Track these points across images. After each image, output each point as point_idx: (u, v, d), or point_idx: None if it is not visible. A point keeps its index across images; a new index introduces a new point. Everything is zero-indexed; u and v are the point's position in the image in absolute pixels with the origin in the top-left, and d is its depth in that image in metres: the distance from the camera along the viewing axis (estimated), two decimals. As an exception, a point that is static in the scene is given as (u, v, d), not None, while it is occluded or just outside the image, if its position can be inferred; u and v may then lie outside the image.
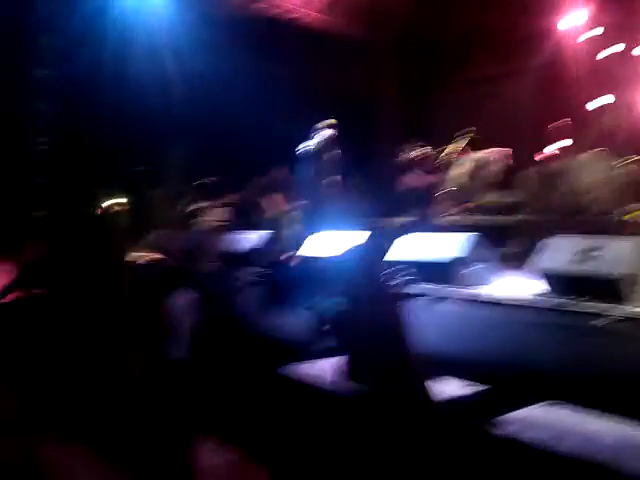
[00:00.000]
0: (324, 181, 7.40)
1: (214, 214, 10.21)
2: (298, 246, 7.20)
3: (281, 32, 10.82)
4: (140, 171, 9.75)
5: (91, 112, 9.13)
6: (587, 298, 3.87)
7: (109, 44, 8.94)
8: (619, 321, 3.56)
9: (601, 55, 9.43)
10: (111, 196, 9.98)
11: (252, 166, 9.76)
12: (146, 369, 3.75)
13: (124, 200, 9.73)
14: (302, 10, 11.33)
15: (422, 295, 4.71)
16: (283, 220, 9.51)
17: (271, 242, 6.70)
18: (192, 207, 10.08)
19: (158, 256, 7.02)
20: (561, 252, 4.27)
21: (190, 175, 10.38)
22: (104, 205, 9.84)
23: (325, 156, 7.35)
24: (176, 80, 9.62)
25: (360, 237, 5.98)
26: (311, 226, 7.72)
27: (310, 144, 7.30)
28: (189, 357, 4.16)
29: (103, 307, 3.88)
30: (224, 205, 10.30)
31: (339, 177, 7.53)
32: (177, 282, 4.82)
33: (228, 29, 9.55)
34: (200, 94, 9.57)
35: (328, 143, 7.25)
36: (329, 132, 7.25)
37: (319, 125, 7.47)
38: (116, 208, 9.78)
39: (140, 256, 6.76)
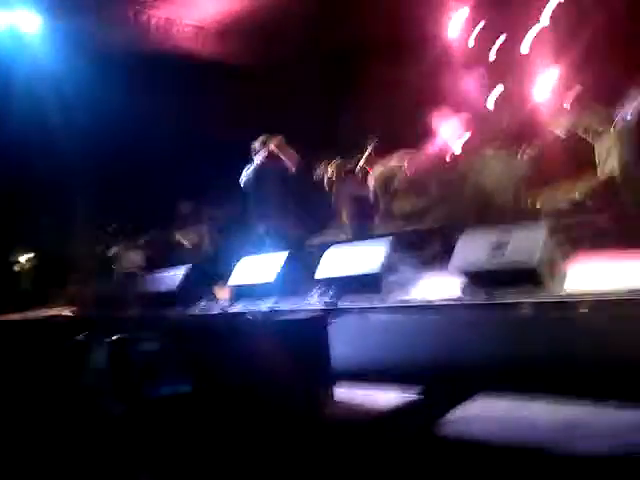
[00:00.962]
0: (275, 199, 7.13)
1: (130, 258, 9.95)
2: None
3: (174, 68, 10.74)
4: (45, 221, 9.35)
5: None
6: (506, 289, 4.00)
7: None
8: (541, 306, 3.69)
9: (491, 51, 9.83)
10: (19, 252, 9.56)
11: (160, 202, 9.56)
12: (80, 427, 3.60)
13: (30, 255, 9.34)
14: (193, 42, 11.31)
15: (349, 308, 4.72)
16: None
17: (189, 280, 6.55)
18: (106, 253, 9.79)
19: (66, 312, 6.77)
20: (475, 249, 4.39)
21: (99, 221, 10.06)
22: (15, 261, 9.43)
23: (271, 174, 7.08)
24: (65, 124, 9.30)
25: (279, 261, 5.99)
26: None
27: (252, 165, 7.04)
28: (123, 410, 3.99)
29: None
30: (139, 247, 10.06)
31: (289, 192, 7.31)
32: (93, 334, 4.65)
33: (119, 68, 9.37)
34: (95, 137, 9.30)
35: (260, 165, 7.02)
36: (268, 148, 7.01)
37: (256, 143, 7.22)
38: (24, 264, 9.37)
39: (48, 314, 6.51)
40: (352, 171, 8.60)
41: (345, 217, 9.02)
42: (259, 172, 7.01)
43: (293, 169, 7.13)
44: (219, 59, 11.61)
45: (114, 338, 4.59)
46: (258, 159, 6.97)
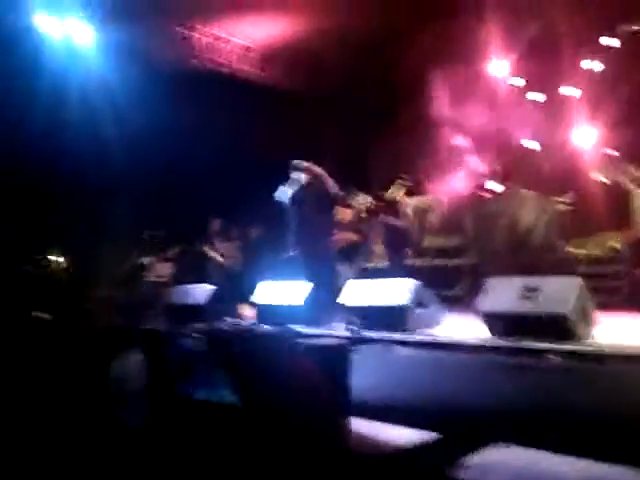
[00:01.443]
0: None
1: (160, 268, 10.06)
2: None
3: (220, 85, 10.94)
4: (82, 228, 9.52)
5: (26, 167, 8.91)
6: (532, 337, 3.94)
7: (42, 97, 8.80)
8: (568, 356, 3.62)
9: (534, 98, 9.85)
10: (50, 254, 9.73)
11: (195, 218, 9.68)
12: (100, 436, 3.61)
13: (61, 259, 9.50)
14: (238, 64, 11.52)
15: (372, 340, 4.69)
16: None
17: (217, 296, 6.60)
18: (137, 262, 9.91)
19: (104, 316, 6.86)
20: (504, 293, 4.35)
21: (134, 230, 10.22)
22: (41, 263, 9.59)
23: (314, 196, 6.97)
24: (116, 134, 9.51)
25: (307, 287, 6.01)
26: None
27: (285, 189, 6.89)
28: (142, 422, 4.00)
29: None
30: (169, 259, 10.17)
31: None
32: (123, 343, 4.68)
33: (167, 83, 9.59)
34: (141, 148, 9.49)
35: (305, 185, 6.90)
36: (304, 175, 6.90)
37: (293, 167, 7.12)
38: (53, 266, 9.53)
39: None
40: (392, 202, 8.56)
41: (378, 247, 9.02)
42: (301, 191, 6.80)
43: (337, 193, 7.04)
44: (265, 81, 11.81)
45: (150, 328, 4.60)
46: (303, 178, 6.81)
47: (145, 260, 9.76)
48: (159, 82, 9.34)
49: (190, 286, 7.07)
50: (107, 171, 9.40)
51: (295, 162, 6.93)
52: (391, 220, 7.99)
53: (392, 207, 8.49)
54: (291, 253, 8.78)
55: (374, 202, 8.61)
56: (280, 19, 10.43)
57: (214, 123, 10.04)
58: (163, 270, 9.85)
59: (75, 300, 8.10)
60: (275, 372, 3.66)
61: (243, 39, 11.43)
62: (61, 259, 9.66)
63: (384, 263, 8.56)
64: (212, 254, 9.70)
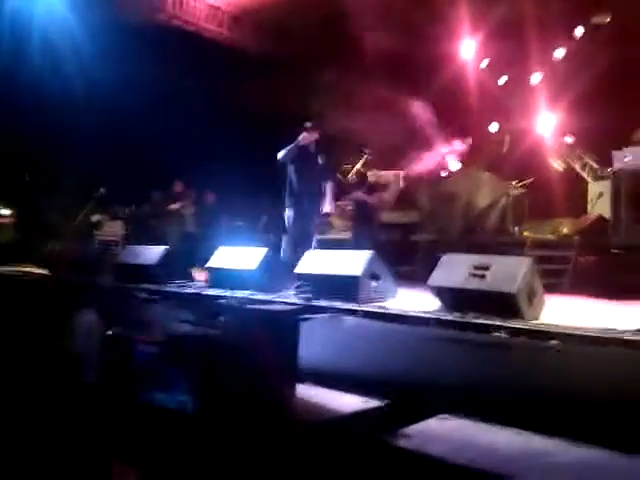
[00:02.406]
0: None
1: (111, 227, 9.88)
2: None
3: (185, 43, 10.69)
4: (27, 179, 9.21)
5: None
6: (481, 313, 4.01)
7: (2, 45, 8.44)
8: (513, 333, 3.70)
9: (499, 82, 9.93)
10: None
11: (151, 178, 9.49)
12: (54, 394, 3.54)
13: (8, 211, 9.20)
14: (206, 24, 11.26)
15: (322, 309, 4.71)
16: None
17: (169, 257, 6.52)
18: (89, 219, 9.70)
19: (42, 271, 6.69)
20: (456, 269, 4.42)
21: (88, 185, 9.96)
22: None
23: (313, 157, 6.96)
24: (77, 85, 9.19)
25: (260, 253, 5.99)
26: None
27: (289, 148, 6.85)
28: (97, 380, 3.92)
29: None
30: (121, 218, 10.00)
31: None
32: (74, 300, 4.58)
33: (132, 37, 9.30)
34: (99, 102, 9.21)
35: (306, 146, 6.86)
36: (307, 136, 6.85)
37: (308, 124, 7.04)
38: (4, 218, 9.24)
39: (23, 271, 6.41)
40: (362, 175, 8.58)
41: (338, 220, 9.08)
42: (297, 151, 6.80)
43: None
44: (231, 42, 11.58)
45: (112, 333, 4.52)
46: (301, 139, 6.76)
47: (96, 217, 9.56)
48: (123, 33, 9.05)
49: (142, 246, 6.96)
50: (61, 122, 9.09)
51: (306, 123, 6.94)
52: (362, 195, 8.03)
53: (362, 181, 8.51)
54: (240, 223, 8.79)
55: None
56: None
57: (177, 82, 9.83)
58: (114, 229, 9.69)
59: (24, 253, 7.88)
60: (218, 336, 3.63)
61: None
62: (7, 211, 9.36)
63: (345, 234, 8.62)
64: (178, 207, 9.58)
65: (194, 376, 3.46)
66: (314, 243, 6.74)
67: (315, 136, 6.86)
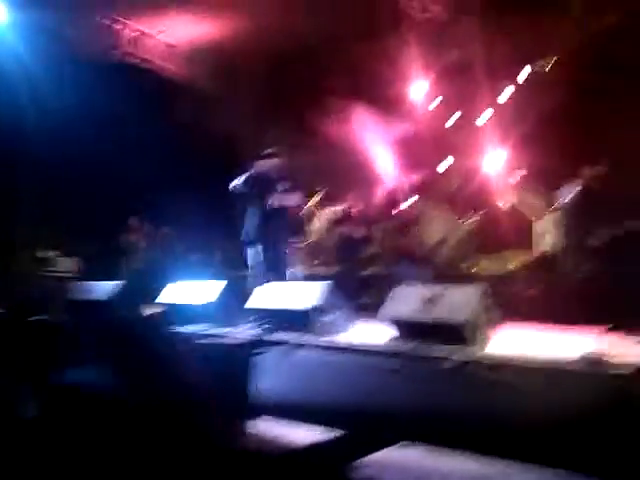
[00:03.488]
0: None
1: (65, 262, 9.70)
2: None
3: (140, 80, 10.75)
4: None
5: None
6: (432, 343, 4.10)
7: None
8: (463, 363, 3.79)
9: (448, 123, 10.26)
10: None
11: (102, 214, 9.40)
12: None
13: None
14: (161, 61, 11.37)
15: (278, 343, 4.73)
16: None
17: (122, 292, 6.44)
18: (40, 255, 9.51)
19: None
20: (408, 300, 4.51)
21: (38, 222, 9.79)
22: None
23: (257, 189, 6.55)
24: (28, 120, 9.11)
25: (214, 286, 5.98)
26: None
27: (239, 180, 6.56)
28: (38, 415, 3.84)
29: None
30: (75, 253, 9.83)
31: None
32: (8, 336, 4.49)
33: (87, 70, 9.31)
34: (53, 137, 9.13)
35: (264, 174, 6.52)
36: (263, 163, 6.71)
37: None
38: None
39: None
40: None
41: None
42: (250, 181, 6.54)
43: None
44: (187, 80, 11.70)
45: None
46: (262, 166, 6.55)
47: (46, 254, 9.37)
48: (77, 65, 9.06)
49: (94, 282, 6.87)
50: (14, 156, 8.98)
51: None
52: (347, 230, 8.00)
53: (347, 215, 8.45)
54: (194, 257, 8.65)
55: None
56: (203, 19, 10.41)
57: (133, 118, 9.83)
58: (69, 265, 9.51)
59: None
60: (170, 371, 3.63)
61: (168, 36, 11.30)
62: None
63: (328, 270, 8.64)
64: (133, 239, 9.47)
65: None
66: (287, 276, 6.57)
67: (273, 162, 6.66)
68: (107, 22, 10.39)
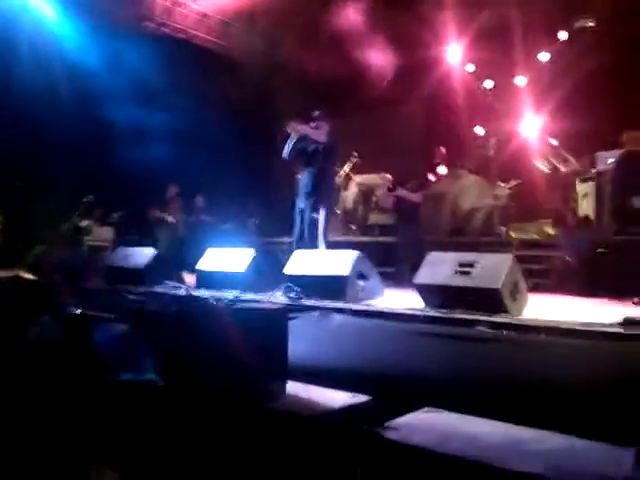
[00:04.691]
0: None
1: (100, 232, 9.89)
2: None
3: (174, 50, 10.75)
4: (19, 185, 9.20)
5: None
6: (466, 309, 4.08)
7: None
8: (498, 328, 3.76)
9: (483, 86, 10.03)
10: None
11: (138, 183, 9.51)
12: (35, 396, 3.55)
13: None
14: (195, 30, 11.34)
15: (310, 308, 4.76)
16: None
17: (158, 260, 6.54)
18: (78, 224, 9.70)
19: (28, 276, 6.71)
20: (442, 267, 4.48)
21: (76, 191, 9.96)
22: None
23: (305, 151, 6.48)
24: (65, 92, 9.21)
25: (249, 254, 6.03)
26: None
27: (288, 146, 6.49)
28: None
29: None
30: (111, 223, 10.01)
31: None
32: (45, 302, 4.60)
33: (121, 43, 9.35)
34: (89, 107, 9.24)
35: (296, 140, 6.42)
36: (304, 127, 6.41)
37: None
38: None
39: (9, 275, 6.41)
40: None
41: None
42: (296, 145, 6.48)
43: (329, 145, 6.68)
44: (220, 49, 11.66)
45: (74, 312, 4.53)
46: (293, 135, 6.47)
47: (85, 223, 9.57)
48: (113, 40, 9.10)
49: (131, 249, 6.98)
50: (50, 127, 9.11)
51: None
52: (405, 194, 7.90)
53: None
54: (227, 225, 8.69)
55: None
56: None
57: (167, 87, 9.87)
58: (103, 234, 9.70)
59: (10, 258, 7.87)
60: (207, 337, 3.66)
61: (201, 5, 11.25)
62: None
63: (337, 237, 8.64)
64: (162, 215, 9.60)
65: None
66: (323, 244, 6.48)
67: (316, 126, 6.57)
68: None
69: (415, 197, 7.89)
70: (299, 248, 6.11)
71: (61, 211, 9.68)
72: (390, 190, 8.32)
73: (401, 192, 8.05)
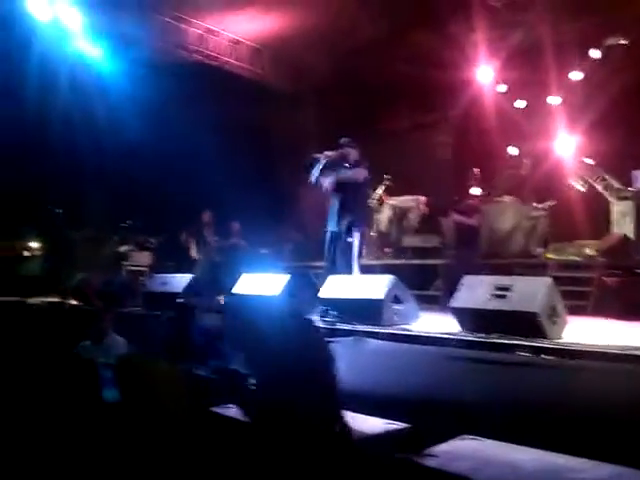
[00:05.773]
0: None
1: (139, 257, 10.07)
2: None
3: (207, 78, 10.98)
4: (59, 212, 9.46)
5: (10, 151, 8.84)
6: (503, 333, 4.04)
7: (32, 80, 8.75)
8: (537, 353, 3.72)
9: (515, 106, 9.98)
10: (30, 238, 9.66)
11: (177, 208, 9.68)
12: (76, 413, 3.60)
13: (36, 244, 9.45)
14: (227, 57, 11.57)
15: (349, 332, 4.77)
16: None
17: (194, 285, 6.65)
18: (117, 250, 9.90)
19: (71, 301, 6.86)
20: (478, 291, 4.46)
21: (114, 217, 10.20)
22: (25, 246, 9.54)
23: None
24: (102, 121, 9.48)
25: (284, 279, 6.09)
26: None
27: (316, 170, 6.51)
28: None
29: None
30: (148, 249, 10.18)
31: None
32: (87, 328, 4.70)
33: (155, 74, 9.60)
34: (126, 136, 9.48)
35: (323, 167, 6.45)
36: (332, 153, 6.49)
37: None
38: (34, 249, 9.47)
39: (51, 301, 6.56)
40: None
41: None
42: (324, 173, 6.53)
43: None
44: (252, 75, 11.86)
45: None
46: (321, 161, 6.53)
47: (124, 248, 9.76)
48: (148, 70, 9.34)
49: (168, 275, 7.11)
50: (90, 156, 9.37)
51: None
52: (463, 219, 7.92)
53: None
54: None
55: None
56: (270, 14, 10.49)
57: (200, 114, 10.06)
58: (142, 259, 9.87)
59: (52, 285, 8.08)
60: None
61: (233, 33, 11.48)
62: (36, 243, 9.63)
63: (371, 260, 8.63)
64: (189, 246, 9.71)
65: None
66: (357, 268, 6.41)
67: (343, 152, 6.62)
68: (173, 21, 10.64)
69: (472, 221, 7.84)
70: (332, 273, 6.12)
71: (101, 237, 9.90)
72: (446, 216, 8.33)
73: (457, 218, 8.02)
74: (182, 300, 6.33)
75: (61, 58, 9.25)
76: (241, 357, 3.78)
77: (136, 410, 2.50)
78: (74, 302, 7.03)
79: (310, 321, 4.37)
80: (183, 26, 10.87)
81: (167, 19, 10.52)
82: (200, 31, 11.14)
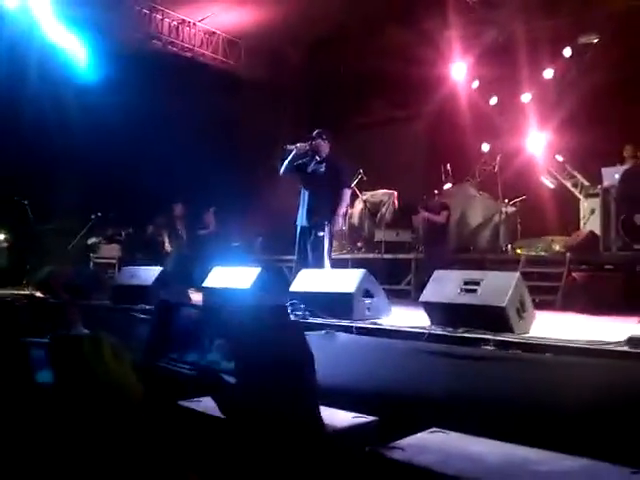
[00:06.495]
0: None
1: (107, 250, 9.94)
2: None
3: (181, 69, 10.87)
4: (24, 203, 9.27)
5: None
6: (472, 327, 4.07)
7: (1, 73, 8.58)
8: (503, 347, 3.75)
9: (490, 103, 10.06)
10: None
11: (148, 201, 9.56)
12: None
13: (1, 236, 9.28)
14: (201, 49, 11.46)
15: (319, 326, 4.75)
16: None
17: (163, 278, 6.55)
18: (85, 242, 9.77)
19: (37, 294, 6.74)
20: (447, 285, 4.47)
21: (83, 209, 10.04)
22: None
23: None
24: (73, 111, 9.31)
25: (255, 272, 6.05)
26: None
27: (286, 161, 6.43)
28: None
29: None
30: (117, 241, 10.06)
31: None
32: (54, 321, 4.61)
33: (127, 64, 9.46)
34: (97, 127, 9.32)
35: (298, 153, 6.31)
36: (302, 144, 6.33)
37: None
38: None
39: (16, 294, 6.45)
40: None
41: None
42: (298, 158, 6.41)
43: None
44: (226, 67, 11.78)
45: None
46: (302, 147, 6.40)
47: (92, 240, 9.63)
48: (119, 60, 9.20)
49: (137, 267, 7.01)
50: (58, 147, 9.20)
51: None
52: (431, 216, 7.93)
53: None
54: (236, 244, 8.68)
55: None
56: (245, 5, 10.42)
57: (172, 106, 9.95)
58: (110, 252, 9.76)
59: (18, 277, 7.94)
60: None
61: (208, 24, 11.37)
62: (1, 235, 9.46)
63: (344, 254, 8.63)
64: (161, 238, 9.62)
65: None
66: (328, 262, 6.36)
67: (315, 144, 6.51)
68: (146, 11, 10.50)
69: (440, 218, 7.89)
70: (303, 267, 6.10)
71: (68, 229, 9.74)
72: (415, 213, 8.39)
73: (425, 214, 8.07)
74: (162, 297, 6.24)
75: (30, 46, 9.07)
76: (220, 351, 3.74)
77: (73, 393, 2.37)
78: (41, 294, 6.91)
79: (285, 309, 4.34)
80: (158, 16, 10.74)
81: (141, 9, 10.38)
82: (175, 22, 11.03)
